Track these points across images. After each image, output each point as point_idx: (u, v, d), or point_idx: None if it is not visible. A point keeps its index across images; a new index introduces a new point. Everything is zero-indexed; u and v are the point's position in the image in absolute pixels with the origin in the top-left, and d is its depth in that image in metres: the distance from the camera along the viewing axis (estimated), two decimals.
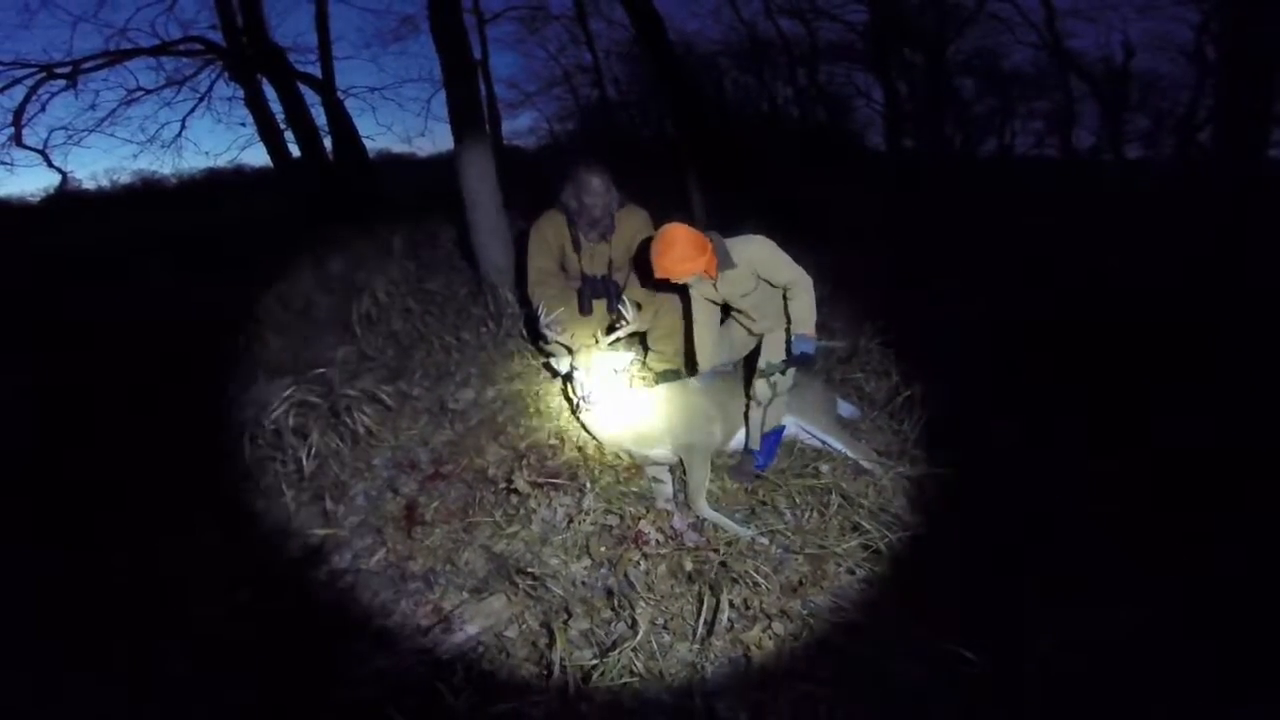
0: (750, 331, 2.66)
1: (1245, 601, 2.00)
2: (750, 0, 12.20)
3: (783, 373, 2.46)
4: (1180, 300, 4.02)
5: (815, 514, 2.34)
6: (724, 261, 2.36)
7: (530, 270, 2.99)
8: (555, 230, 2.96)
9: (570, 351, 2.53)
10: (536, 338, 3.13)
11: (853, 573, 2.12)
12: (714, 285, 2.45)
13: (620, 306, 2.65)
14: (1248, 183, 7.07)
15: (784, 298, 2.43)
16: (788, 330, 2.46)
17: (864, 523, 2.25)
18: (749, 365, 2.67)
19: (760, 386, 2.50)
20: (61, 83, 7.87)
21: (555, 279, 3.01)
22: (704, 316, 2.60)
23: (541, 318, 2.62)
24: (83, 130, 8.32)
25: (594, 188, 2.84)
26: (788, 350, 2.47)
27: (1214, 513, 2.33)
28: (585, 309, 3.00)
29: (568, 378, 2.56)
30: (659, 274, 2.35)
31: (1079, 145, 11.64)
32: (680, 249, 2.29)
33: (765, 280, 2.41)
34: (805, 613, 1.96)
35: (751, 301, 2.50)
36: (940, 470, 2.50)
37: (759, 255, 2.37)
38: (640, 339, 3.18)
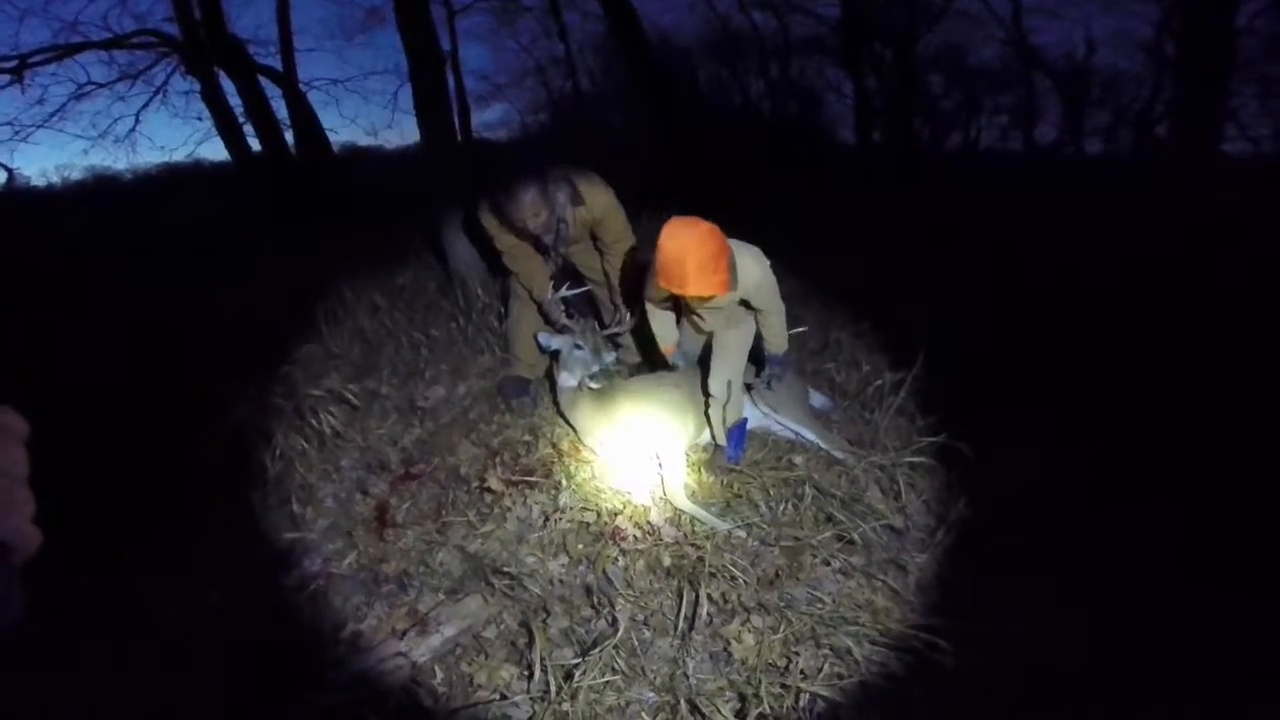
0: (698, 329, 2.52)
1: (1237, 599, 1.97)
2: None
3: (769, 385, 2.51)
4: (1140, 294, 4.13)
5: (790, 506, 2.35)
6: (731, 277, 2.03)
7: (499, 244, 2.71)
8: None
9: (571, 331, 2.51)
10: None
11: (828, 564, 2.14)
12: None
13: (618, 305, 2.61)
14: (1202, 175, 7.32)
15: (755, 318, 2.38)
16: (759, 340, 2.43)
17: (837, 513, 2.26)
18: (703, 363, 2.61)
19: (716, 384, 2.46)
20: (6, 78, 7.65)
21: (524, 251, 2.71)
22: (661, 312, 2.48)
23: (546, 298, 2.57)
24: (30, 126, 8.21)
25: (524, 208, 2.39)
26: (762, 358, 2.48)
27: (1187, 508, 2.31)
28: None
29: (555, 355, 2.55)
30: (674, 289, 1.98)
31: (1042, 140, 11.96)
32: (701, 259, 1.91)
33: (744, 297, 2.24)
34: (782, 605, 1.96)
35: (719, 312, 2.34)
36: (912, 459, 2.53)
37: (753, 276, 2.15)
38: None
